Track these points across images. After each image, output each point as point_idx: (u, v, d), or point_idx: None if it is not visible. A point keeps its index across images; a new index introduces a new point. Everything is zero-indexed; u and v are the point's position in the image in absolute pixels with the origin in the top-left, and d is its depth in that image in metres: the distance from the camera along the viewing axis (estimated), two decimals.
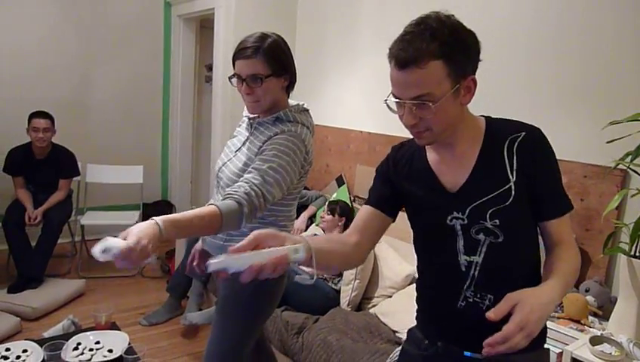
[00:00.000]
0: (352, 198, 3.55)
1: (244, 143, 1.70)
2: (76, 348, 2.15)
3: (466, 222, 1.12)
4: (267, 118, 1.66)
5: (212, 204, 1.37)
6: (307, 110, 1.74)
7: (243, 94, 1.62)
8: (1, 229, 3.50)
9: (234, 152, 1.72)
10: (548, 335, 2.06)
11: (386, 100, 1.11)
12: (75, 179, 3.89)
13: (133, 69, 4.67)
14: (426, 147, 1.21)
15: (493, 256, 1.12)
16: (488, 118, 1.18)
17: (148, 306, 3.24)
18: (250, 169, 1.51)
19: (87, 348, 2.16)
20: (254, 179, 1.45)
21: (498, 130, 1.15)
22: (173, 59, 4.88)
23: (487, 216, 1.10)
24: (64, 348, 2.11)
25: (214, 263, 0.92)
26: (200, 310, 3.00)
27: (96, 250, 1.06)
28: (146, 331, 2.97)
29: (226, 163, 1.71)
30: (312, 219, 3.53)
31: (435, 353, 1.22)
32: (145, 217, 4.29)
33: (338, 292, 2.72)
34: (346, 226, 3.10)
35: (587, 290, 2.22)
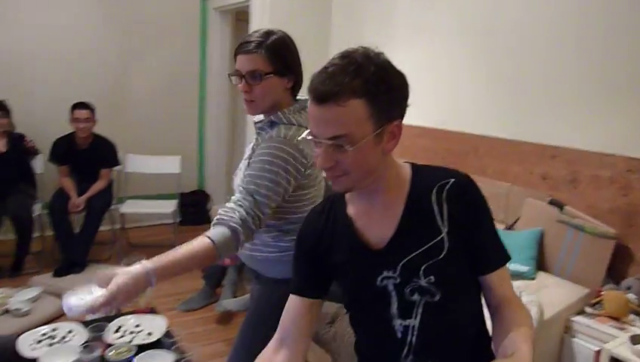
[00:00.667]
0: None
1: (253, 151, 1.56)
2: (117, 331, 2.23)
3: (398, 281, 1.00)
4: (265, 122, 1.54)
5: (206, 236, 1.31)
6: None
7: (241, 92, 1.49)
8: (47, 216, 3.66)
9: (245, 160, 1.60)
10: (585, 332, 2.04)
11: (302, 137, 1.03)
12: (115, 168, 4.02)
13: (170, 61, 4.77)
14: (346, 199, 1.10)
15: (431, 318, 1.00)
16: (414, 165, 1.08)
17: (184, 293, 3.32)
18: (240, 188, 1.42)
19: (128, 331, 2.23)
20: (246, 200, 1.37)
21: (425, 177, 1.05)
22: (210, 51, 4.96)
23: (421, 272, 0.99)
24: (106, 329, 2.20)
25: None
26: (234, 297, 3.06)
27: (64, 307, 1.16)
28: (182, 317, 3.06)
29: (236, 172, 1.63)
30: None
31: None
32: (182, 206, 4.42)
33: None
34: None
35: (628, 288, 2.17)
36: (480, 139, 2.98)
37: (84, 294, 1.16)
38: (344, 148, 0.92)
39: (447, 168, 1.07)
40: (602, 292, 2.16)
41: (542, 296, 2.13)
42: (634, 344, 1.82)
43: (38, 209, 3.71)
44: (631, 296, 2.13)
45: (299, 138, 1.37)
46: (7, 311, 2.73)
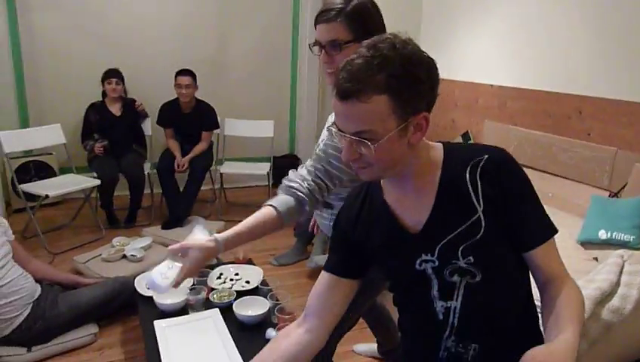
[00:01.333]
0: None
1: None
2: (219, 277, 2.45)
3: (437, 264, 0.99)
4: None
5: (271, 206, 1.34)
6: None
7: (322, 63, 1.42)
8: (155, 175, 4.02)
9: (326, 129, 1.56)
10: None
11: (328, 129, 1.01)
12: (215, 131, 4.28)
13: (265, 30, 4.90)
14: (382, 184, 1.08)
15: (473, 299, 0.98)
16: (446, 146, 1.04)
17: (277, 249, 3.51)
18: (314, 154, 1.41)
19: (228, 278, 2.45)
20: (317, 171, 1.36)
21: (457, 156, 1.01)
22: (302, 17, 5.02)
23: (459, 253, 0.97)
24: (209, 276, 2.43)
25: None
26: (324, 254, 3.19)
27: (150, 285, 1.26)
28: (275, 270, 3.25)
29: (320, 139, 1.59)
30: None
31: None
32: (274, 169, 4.62)
33: None
34: None
35: None
36: (584, 99, 2.78)
37: (164, 269, 1.26)
38: (367, 143, 0.91)
39: (482, 145, 1.03)
40: None
41: None
42: None
43: (147, 168, 4.07)
44: None
45: (328, 126, 1.31)
46: (124, 257, 3.07)
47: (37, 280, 2.39)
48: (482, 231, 0.96)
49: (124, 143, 3.97)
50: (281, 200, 1.35)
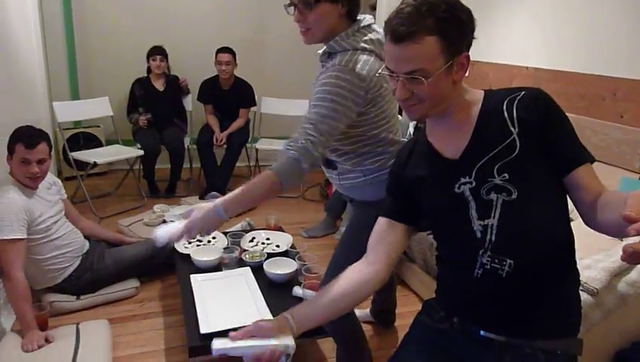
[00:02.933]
0: None
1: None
2: (252, 241, 2.60)
3: (474, 184, 1.07)
4: (323, 54, 1.56)
5: (270, 169, 1.41)
6: (367, 26, 1.54)
7: (296, 23, 1.50)
8: (195, 149, 4.20)
9: None
10: None
11: (379, 74, 1.13)
12: (252, 109, 4.42)
13: None
14: (426, 127, 1.20)
15: (510, 216, 1.03)
16: (487, 90, 1.15)
17: (307, 222, 3.64)
18: (304, 116, 1.47)
19: (260, 242, 2.60)
20: (307, 129, 1.41)
21: (496, 95, 1.11)
22: None
23: (495, 171, 1.04)
24: (243, 239, 2.58)
25: (218, 347, 1.07)
26: None
27: (152, 235, 1.41)
28: (305, 241, 3.38)
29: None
30: None
31: (451, 328, 1.14)
32: None
33: None
34: None
35: None
36: (619, 81, 2.76)
37: (173, 225, 1.42)
38: (420, 81, 1.02)
39: (520, 87, 1.10)
40: None
41: None
42: None
43: (187, 141, 4.26)
44: None
45: (358, 65, 1.42)
46: (164, 222, 3.25)
47: (86, 237, 2.59)
48: (517, 151, 1.04)
49: (167, 117, 4.16)
50: (279, 162, 1.42)
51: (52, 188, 2.44)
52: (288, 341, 1.09)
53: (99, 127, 4.35)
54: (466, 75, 1.08)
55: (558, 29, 3.18)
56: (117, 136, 4.11)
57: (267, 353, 1.05)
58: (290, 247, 2.50)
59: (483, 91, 1.14)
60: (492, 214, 1.05)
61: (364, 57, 1.46)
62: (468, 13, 1.04)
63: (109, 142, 4.27)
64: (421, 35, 1.00)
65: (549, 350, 1.04)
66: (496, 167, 1.05)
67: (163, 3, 4.51)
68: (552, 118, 1.05)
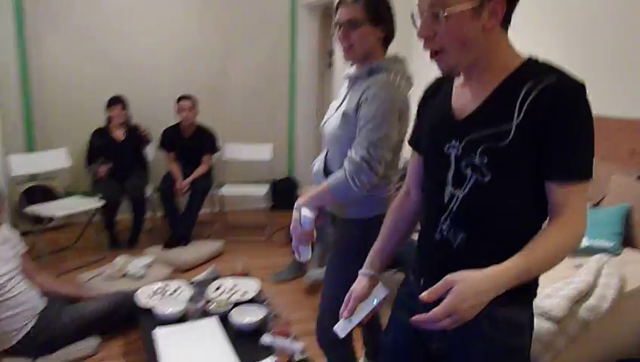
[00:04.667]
0: None
1: (343, 100, 1.75)
2: (217, 289, 2.55)
3: (459, 152, 1.05)
4: (362, 70, 1.69)
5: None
6: (403, 59, 1.75)
7: (339, 42, 1.68)
8: (157, 198, 4.14)
9: (335, 109, 1.78)
10: None
11: (412, 14, 1.05)
12: (215, 155, 4.42)
13: (263, 55, 5.11)
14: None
15: (476, 195, 1.04)
16: (530, 59, 1.03)
17: (275, 266, 3.60)
18: (356, 141, 1.60)
19: (226, 290, 2.54)
20: (362, 150, 1.58)
21: (535, 68, 1.00)
22: (299, 46, 5.24)
23: (478, 151, 1.01)
24: (208, 287, 2.52)
25: (342, 332, 1.26)
26: (322, 268, 3.26)
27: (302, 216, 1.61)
28: (273, 286, 3.33)
29: (328, 120, 1.80)
30: None
31: (419, 289, 1.05)
32: (273, 193, 4.74)
33: None
34: None
35: None
36: None
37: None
38: (439, 18, 0.96)
39: (564, 72, 0.98)
40: None
41: (626, 270, 2.10)
42: None
43: (149, 191, 4.20)
44: None
45: (401, 87, 1.62)
46: (125, 275, 3.16)
47: (43, 294, 2.48)
48: (508, 140, 0.98)
49: (127, 167, 4.10)
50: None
51: (6, 244, 2.34)
52: (382, 292, 1.28)
53: (56, 178, 4.24)
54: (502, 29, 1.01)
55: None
56: (75, 188, 4.01)
57: (376, 307, 1.26)
58: (258, 294, 2.46)
59: (526, 58, 1.04)
60: (463, 187, 1.05)
61: (403, 83, 1.67)
62: None
63: (68, 194, 4.15)
64: None
65: (494, 317, 1.02)
66: (481, 147, 1.01)
67: (124, 51, 4.54)
68: (562, 123, 0.95)
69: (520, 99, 0.97)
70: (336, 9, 1.68)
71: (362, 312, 1.26)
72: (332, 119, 1.77)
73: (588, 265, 2.10)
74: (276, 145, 4.88)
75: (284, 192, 5.26)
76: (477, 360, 1.09)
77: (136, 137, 4.22)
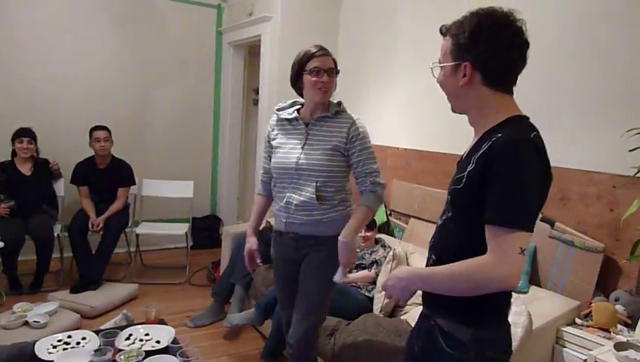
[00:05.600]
0: (389, 213, 3.67)
1: (307, 138, 2.06)
2: (128, 338, 2.37)
3: (449, 189, 1.28)
4: (328, 112, 2.06)
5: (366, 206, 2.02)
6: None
7: (318, 83, 2.00)
8: (66, 237, 3.85)
9: (300, 147, 2.05)
10: (575, 342, 2.10)
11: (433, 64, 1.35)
12: (132, 192, 4.22)
13: (186, 91, 5.03)
14: None
15: (444, 227, 1.30)
16: (515, 116, 1.20)
17: (194, 310, 3.44)
18: (364, 172, 2.03)
19: (138, 339, 2.37)
20: (380, 176, 2.06)
21: (503, 127, 1.17)
22: (224, 82, 5.21)
23: (448, 191, 1.27)
24: (118, 337, 2.34)
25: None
26: (241, 312, 3.16)
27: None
28: (191, 332, 3.17)
29: (299, 157, 2.04)
30: None
31: None
32: (194, 230, 4.58)
33: (371, 299, 2.83)
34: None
35: (617, 299, 2.23)
36: None
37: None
38: (437, 65, 1.29)
39: (523, 128, 1.17)
40: (592, 305, 2.23)
41: (533, 307, 2.21)
42: (618, 351, 1.89)
43: (58, 229, 3.91)
44: (619, 307, 2.20)
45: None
46: (26, 323, 2.88)
47: None
48: (462, 184, 1.19)
49: (33, 204, 3.80)
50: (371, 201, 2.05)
51: None
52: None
53: None
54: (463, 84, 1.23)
55: (419, 114, 3.53)
56: None
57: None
58: (172, 342, 2.31)
59: (513, 115, 1.21)
60: (441, 218, 1.31)
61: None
62: (490, 28, 1.17)
63: None
64: (446, 34, 1.25)
65: (444, 327, 1.26)
66: (449, 188, 1.26)
67: (32, 81, 4.28)
68: (495, 171, 1.10)
69: (481, 151, 1.16)
70: (315, 56, 2.02)
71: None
72: (308, 155, 2.03)
73: None
74: (199, 181, 4.76)
75: (205, 230, 5.11)
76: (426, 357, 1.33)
77: (45, 172, 3.94)
